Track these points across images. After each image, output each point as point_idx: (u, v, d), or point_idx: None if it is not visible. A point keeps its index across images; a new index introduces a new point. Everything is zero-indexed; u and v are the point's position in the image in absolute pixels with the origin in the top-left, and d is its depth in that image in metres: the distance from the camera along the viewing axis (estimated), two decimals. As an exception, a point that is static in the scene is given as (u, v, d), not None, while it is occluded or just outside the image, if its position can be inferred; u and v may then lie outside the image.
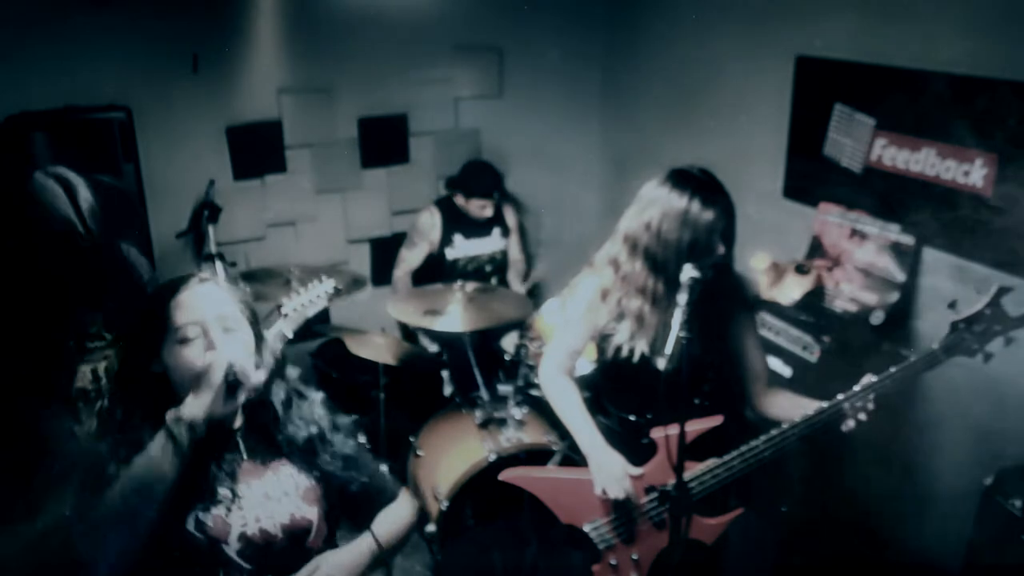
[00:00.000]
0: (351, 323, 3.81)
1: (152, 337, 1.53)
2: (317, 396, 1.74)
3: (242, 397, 1.49)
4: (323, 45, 3.85)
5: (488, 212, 3.89)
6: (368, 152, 4.14)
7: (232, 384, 1.45)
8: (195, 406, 1.45)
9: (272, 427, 1.64)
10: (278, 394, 1.67)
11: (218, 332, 1.51)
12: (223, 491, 1.52)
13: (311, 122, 3.97)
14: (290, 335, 2.31)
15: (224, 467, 1.55)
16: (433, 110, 4.22)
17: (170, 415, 1.45)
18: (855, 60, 3.00)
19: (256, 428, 1.62)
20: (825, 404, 2.04)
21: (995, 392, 2.53)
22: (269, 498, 1.56)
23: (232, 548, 1.50)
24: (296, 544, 1.57)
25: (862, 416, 2.01)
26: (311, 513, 1.60)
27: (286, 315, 2.31)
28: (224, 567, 1.49)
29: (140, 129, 3.55)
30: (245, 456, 1.58)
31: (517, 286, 4.12)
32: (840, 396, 2.04)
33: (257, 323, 1.63)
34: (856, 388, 2.04)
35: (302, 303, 2.35)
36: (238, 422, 1.61)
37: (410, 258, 3.96)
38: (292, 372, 1.72)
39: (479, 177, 3.87)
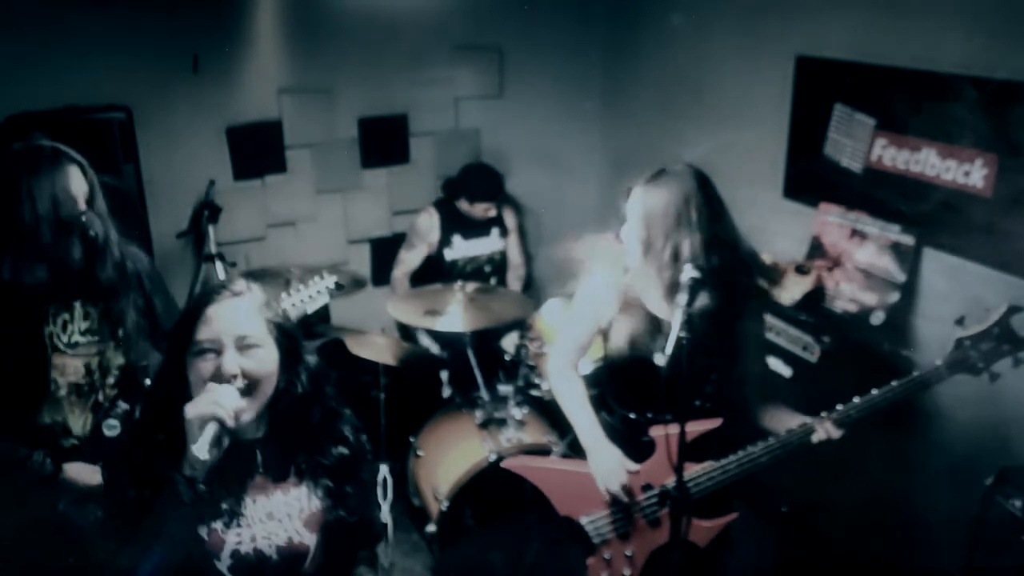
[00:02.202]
0: (351, 323, 3.81)
1: (179, 348, 1.53)
2: (347, 414, 1.71)
3: (225, 441, 1.45)
4: (323, 45, 3.85)
5: (492, 213, 3.89)
6: (368, 152, 4.13)
7: (217, 436, 1.42)
8: (191, 465, 1.41)
9: (299, 446, 1.62)
10: (314, 414, 1.63)
11: (232, 352, 1.50)
12: (225, 505, 1.51)
13: (311, 122, 3.97)
14: None
15: (233, 480, 1.53)
16: (433, 110, 4.22)
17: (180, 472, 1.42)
18: (855, 60, 2.99)
19: (279, 442, 1.60)
20: (823, 415, 2.04)
21: (996, 392, 2.52)
22: (272, 518, 1.55)
23: (224, 564, 1.50)
24: (290, 568, 1.56)
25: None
26: (310, 539, 1.58)
27: (284, 310, 2.31)
28: None
29: (140, 129, 3.55)
30: (260, 471, 1.56)
31: (516, 287, 4.12)
32: (839, 407, 2.04)
33: (289, 339, 1.61)
34: (856, 400, 2.03)
35: (302, 299, 2.37)
36: (259, 432, 1.59)
37: (408, 259, 3.96)
38: (330, 390, 1.68)
39: (482, 180, 3.87)
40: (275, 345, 1.57)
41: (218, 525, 1.50)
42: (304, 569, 1.58)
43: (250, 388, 1.50)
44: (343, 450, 1.65)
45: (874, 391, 2.01)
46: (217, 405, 1.42)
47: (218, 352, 1.50)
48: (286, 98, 3.89)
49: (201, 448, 1.38)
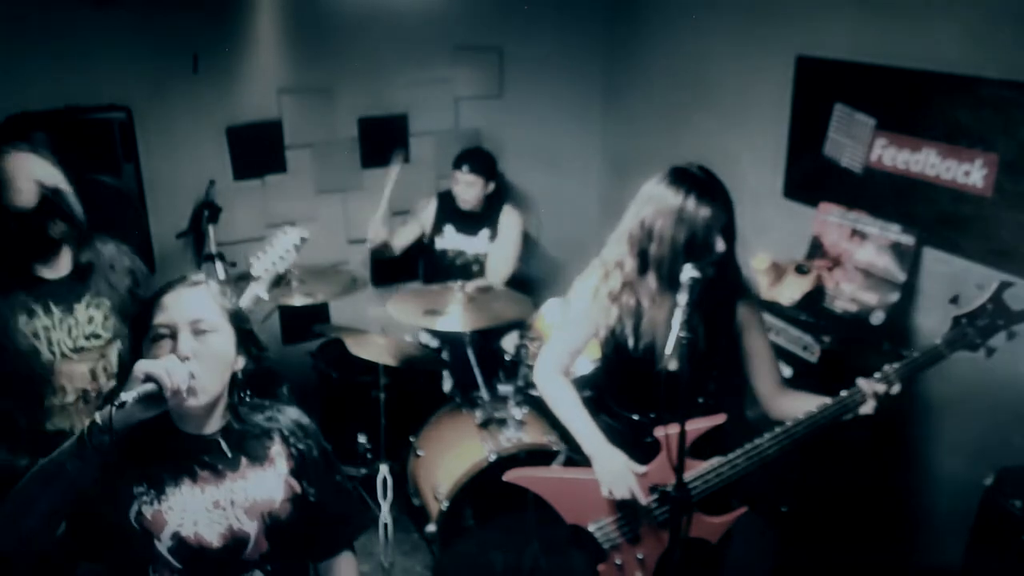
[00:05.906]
0: (351, 323, 3.81)
1: (137, 335, 1.60)
2: (292, 410, 1.78)
3: (152, 410, 1.45)
4: (323, 45, 3.85)
5: (471, 193, 3.84)
6: (368, 152, 4.14)
7: (153, 395, 1.42)
8: (112, 413, 1.42)
9: (247, 433, 1.67)
10: (270, 407, 1.73)
11: (187, 335, 1.54)
12: (170, 488, 1.55)
13: (311, 122, 3.97)
14: (266, 296, 2.31)
15: (183, 465, 1.58)
16: (433, 110, 4.22)
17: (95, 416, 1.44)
18: (855, 60, 3.00)
19: (233, 432, 1.66)
20: (828, 401, 2.05)
21: (995, 392, 2.53)
22: (217, 507, 1.58)
23: (164, 545, 1.52)
24: (231, 555, 1.59)
25: (866, 410, 2.02)
26: (250, 527, 1.61)
27: (258, 277, 2.31)
28: (154, 562, 1.52)
29: (140, 129, 3.56)
30: (222, 459, 1.61)
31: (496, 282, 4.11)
32: (844, 393, 2.05)
33: (243, 323, 1.67)
34: (859, 384, 2.04)
35: (272, 261, 2.34)
36: (217, 425, 1.63)
37: (400, 232, 4.01)
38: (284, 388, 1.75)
39: (469, 152, 3.92)
40: (232, 332, 1.63)
41: (162, 507, 1.53)
42: (246, 556, 1.60)
43: (202, 375, 1.52)
44: (301, 446, 1.71)
45: (876, 374, 2.03)
46: (164, 370, 1.43)
47: (173, 336, 1.54)
48: (286, 98, 3.89)
49: (128, 392, 1.39)
